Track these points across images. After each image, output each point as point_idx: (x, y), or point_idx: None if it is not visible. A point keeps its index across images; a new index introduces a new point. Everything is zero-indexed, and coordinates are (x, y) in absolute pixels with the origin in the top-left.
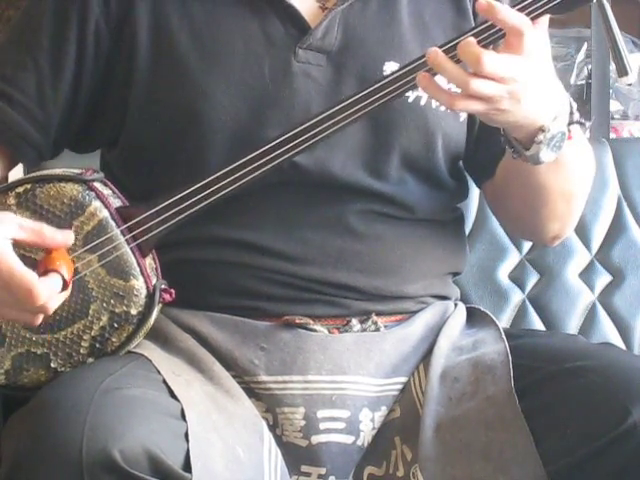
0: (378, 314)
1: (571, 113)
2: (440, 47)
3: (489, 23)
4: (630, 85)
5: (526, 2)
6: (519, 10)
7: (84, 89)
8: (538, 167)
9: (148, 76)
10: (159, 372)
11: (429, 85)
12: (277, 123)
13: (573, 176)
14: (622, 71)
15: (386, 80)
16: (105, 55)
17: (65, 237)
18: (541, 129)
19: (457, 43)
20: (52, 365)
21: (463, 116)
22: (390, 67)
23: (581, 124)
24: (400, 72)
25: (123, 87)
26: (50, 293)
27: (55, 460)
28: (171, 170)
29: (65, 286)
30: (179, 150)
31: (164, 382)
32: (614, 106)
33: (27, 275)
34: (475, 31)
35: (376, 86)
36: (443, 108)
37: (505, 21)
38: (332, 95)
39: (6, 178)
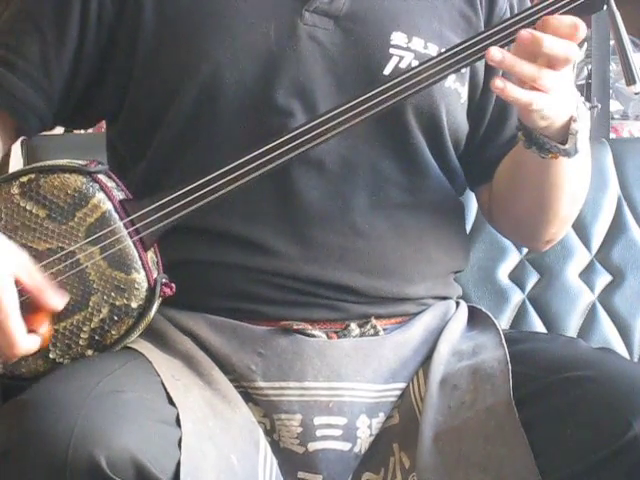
0: (377, 317)
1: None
2: (463, 43)
3: (510, 22)
4: (638, 94)
5: (536, 8)
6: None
7: (87, 57)
8: (555, 166)
9: (152, 42)
10: (158, 374)
11: (505, 89)
12: (282, 85)
13: (581, 175)
14: (630, 80)
15: (400, 78)
16: (108, 22)
17: (61, 302)
18: (572, 119)
19: (481, 39)
20: (50, 356)
21: (464, 98)
22: (397, 37)
23: (592, 107)
24: (412, 71)
25: (127, 54)
26: (27, 352)
27: (40, 458)
28: (178, 138)
29: (37, 350)
30: (186, 115)
31: (162, 384)
32: (614, 106)
33: (17, 329)
34: (495, 29)
35: (391, 83)
36: (447, 84)
37: (552, 52)
38: (337, 59)
39: (7, 165)
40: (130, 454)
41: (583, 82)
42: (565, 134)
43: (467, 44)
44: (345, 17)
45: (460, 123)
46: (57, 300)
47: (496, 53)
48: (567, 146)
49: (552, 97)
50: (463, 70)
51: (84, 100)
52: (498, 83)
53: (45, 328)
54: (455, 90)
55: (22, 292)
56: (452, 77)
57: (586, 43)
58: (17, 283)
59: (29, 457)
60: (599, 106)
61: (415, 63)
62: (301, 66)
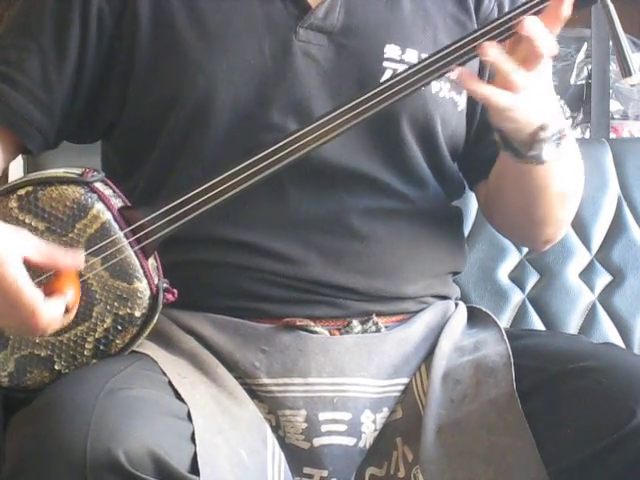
0: (379, 314)
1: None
2: (452, 45)
3: (501, 21)
4: (634, 86)
5: (530, 4)
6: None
7: (87, 72)
8: (535, 169)
9: (149, 56)
10: (164, 373)
11: (464, 80)
12: (277, 102)
13: (567, 177)
14: (626, 72)
15: (390, 82)
16: (107, 37)
17: (75, 259)
18: (541, 127)
19: (472, 39)
20: (56, 367)
21: (461, 106)
22: (390, 50)
23: (573, 118)
24: (402, 75)
25: (125, 68)
26: (53, 316)
27: (59, 461)
28: (172, 151)
29: (67, 310)
30: (179, 129)
31: (169, 384)
32: (614, 106)
33: (35, 296)
34: (487, 28)
35: (378, 89)
36: (442, 94)
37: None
38: (331, 75)
39: (7, 178)
40: (147, 447)
41: (583, 82)
42: (534, 141)
43: (458, 44)
44: (339, 32)
45: (457, 129)
46: (71, 258)
47: (491, 47)
48: (533, 152)
49: (519, 97)
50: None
51: (86, 115)
52: (458, 74)
53: (69, 290)
54: (451, 99)
55: (36, 269)
56: (447, 86)
57: (586, 43)
58: (27, 261)
59: (48, 461)
60: (580, 117)
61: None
62: (296, 83)
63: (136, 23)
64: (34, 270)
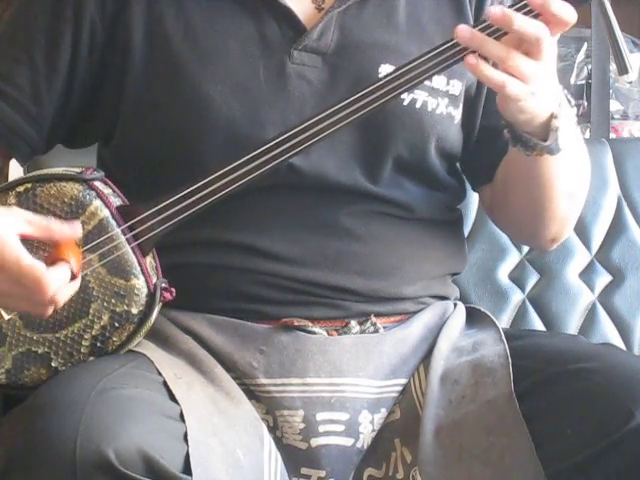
0: (377, 315)
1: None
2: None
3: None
4: (630, 83)
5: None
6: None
7: (78, 86)
8: (545, 164)
9: (142, 75)
10: (160, 373)
11: (477, 65)
12: (271, 124)
13: (575, 173)
14: (622, 69)
15: (382, 81)
16: (99, 52)
17: (73, 230)
18: (552, 116)
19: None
20: (53, 364)
21: (457, 118)
22: (385, 70)
23: (577, 106)
24: (395, 74)
25: (117, 85)
26: (59, 283)
27: (48, 460)
28: (166, 169)
29: (74, 276)
30: (173, 149)
31: (164, 384)
32: (614, 106)
33: (35, 265)
34: (479, 28)
35: (372, 87)
36: (439, 111)
37: (522, 30)
38: (326, 96)
39: (6, 176)
40: (137, 447)
41: (583, 82)
42: (547, 131)
43: (448, 45)
44: (333, 53)
45: (453, 143)
46: (67, 228)
47: (465, 29)
48: (548, 143)
49: (529, 87)
50: (457, 92)
51: (78, 126)
52: (471, 59)
53: (71, 256)
54: (448, 114)
55: (33, 242)
56: (444, 102)
57: (586, 43)
58: (24, 237)
59: (37, 460)
60: (585, 104)
61: (404, 94)
62: (290, 105)
63: (129, 39)
64: (34, 250)
